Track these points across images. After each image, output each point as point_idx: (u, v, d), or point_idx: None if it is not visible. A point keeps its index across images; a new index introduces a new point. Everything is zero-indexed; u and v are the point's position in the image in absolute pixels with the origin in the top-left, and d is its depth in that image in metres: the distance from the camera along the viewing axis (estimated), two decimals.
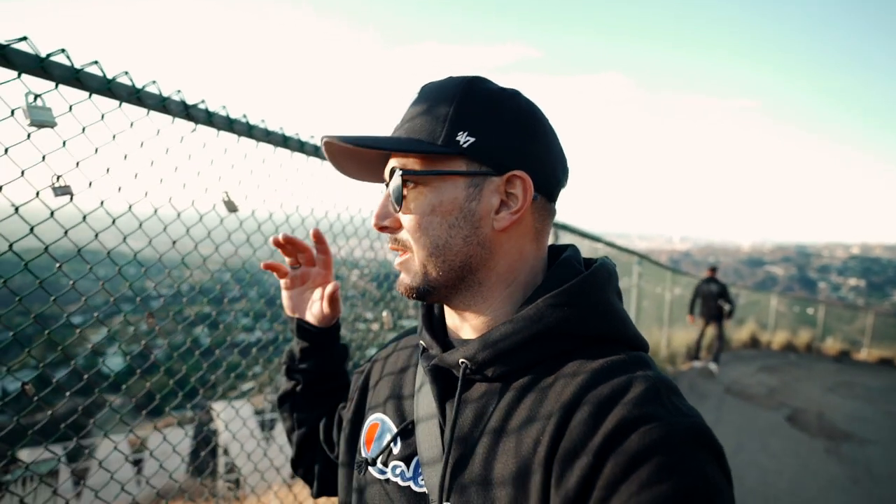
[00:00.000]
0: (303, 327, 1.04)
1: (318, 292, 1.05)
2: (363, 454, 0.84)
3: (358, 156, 0.76)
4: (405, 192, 0.71)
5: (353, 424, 0.92)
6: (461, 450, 0.68)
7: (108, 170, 1.28)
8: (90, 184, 1.23)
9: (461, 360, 0.71)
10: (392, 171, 0.73)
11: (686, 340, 11.06)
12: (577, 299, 0.69)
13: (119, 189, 1.31)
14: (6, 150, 1.09)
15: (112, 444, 1.62)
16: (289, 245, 1.03)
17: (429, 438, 0.74)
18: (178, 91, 1.36)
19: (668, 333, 10.32)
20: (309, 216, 2.09)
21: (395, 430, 0.82)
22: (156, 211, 1.49)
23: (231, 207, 1.56)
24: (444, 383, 0.75)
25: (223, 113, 1.49)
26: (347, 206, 2.31)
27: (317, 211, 2.11)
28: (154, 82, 1.31)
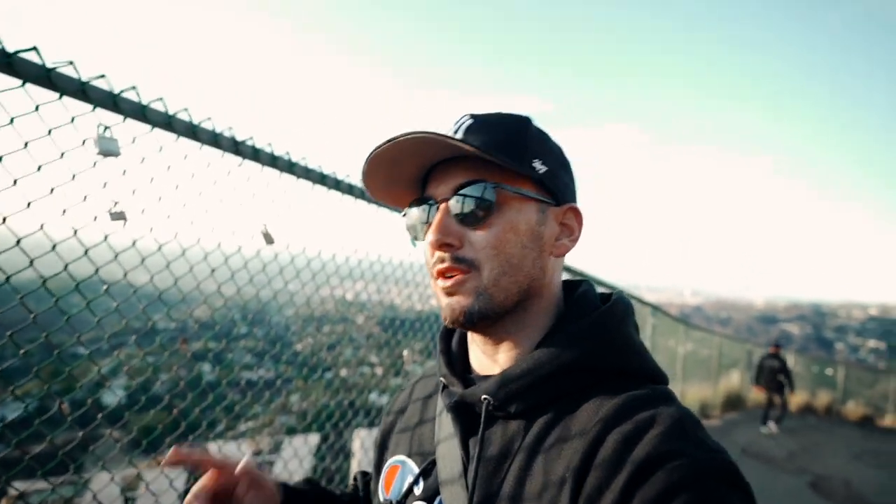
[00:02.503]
0: None
1: (241, 487, 0.78)
2: (382, 497, 0.82)
3: (399, 168, 0.73)
4: (492, 207, 0.69)
5: (377, 474, 0.89)
6: (486, 489, 0.67)
7: (160, 198, 1.35)
8: (143, 210, 1.30)
9: (483, 396, 0.70)
10: (469, 184, 0.70)
11: (699, 397, 10.68)
12: (598, 334, 0.70)
13: (168, 217, 1.38)
14: (74, 177, 1.17)
15: (106, 479, 1.57)
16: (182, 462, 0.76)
17: (452, 476, 0.72)
18: (230, 128, 1.46)
19: (682, 389, 10.02)
20: (316, 258, 2.07)
21: (416, 470, 0.80)
22: (201, 245, 1.55)
23: (268, 239, 1.62)
24: (467, 420, 0.73)
25: (268, 150, 1.58)
26: (356, 248, 2.28)
27: (325, 253, 2.10)
28: (209, 118, 1.40)
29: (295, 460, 3.07)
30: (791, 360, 15.05)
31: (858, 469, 7.70)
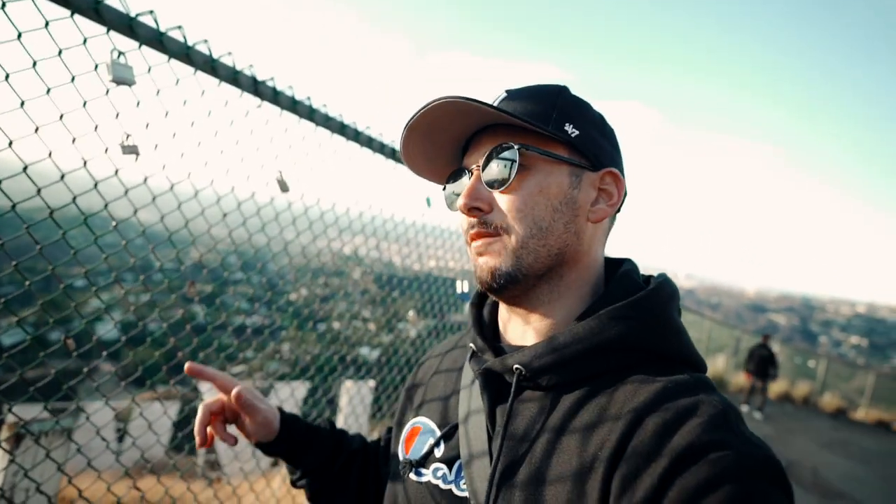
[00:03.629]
0: (262, 445, 0.96)
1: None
2: (402, 456, 0.83)
3: (432, 141, 0.74)
4: (516, 169, 0.69)
5: (397, 433, 0.90)
6: (511, 458, 0.66)
7: (174, 135, 1.28)
8: (156, 146, 1.23)
9: (516, 366, 0.69)
10: (498, 149, 0.70)
11: None
12: (642, 314, 0.68)
13: (182, 155, 1.31)
14: (85, 104, 1.09)
15: (98, 410, 1.58)
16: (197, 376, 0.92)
17: (474, 443, 0.72)
18: (251, 66, 1.37)
19: None
20: (329, 210, 2.01)
21: (437, 432, 0.80)
22: (216, 186, 1.49)
23: (283, 187, 1.57)
24: (496, 389, 0.73)
25: (289, 93, 1.49)
26: (357, 202, 2.24)
27: (324, 204, 2.03)
28: (230, 53, 1.31)
29: (284, 406, 3.12)
30: (775, 348, 15.37)
31: (827, 458, 7.99)
